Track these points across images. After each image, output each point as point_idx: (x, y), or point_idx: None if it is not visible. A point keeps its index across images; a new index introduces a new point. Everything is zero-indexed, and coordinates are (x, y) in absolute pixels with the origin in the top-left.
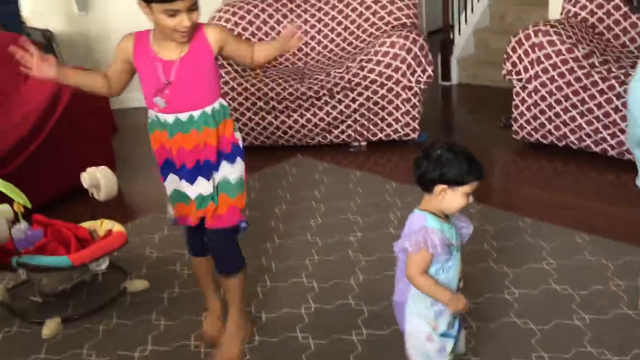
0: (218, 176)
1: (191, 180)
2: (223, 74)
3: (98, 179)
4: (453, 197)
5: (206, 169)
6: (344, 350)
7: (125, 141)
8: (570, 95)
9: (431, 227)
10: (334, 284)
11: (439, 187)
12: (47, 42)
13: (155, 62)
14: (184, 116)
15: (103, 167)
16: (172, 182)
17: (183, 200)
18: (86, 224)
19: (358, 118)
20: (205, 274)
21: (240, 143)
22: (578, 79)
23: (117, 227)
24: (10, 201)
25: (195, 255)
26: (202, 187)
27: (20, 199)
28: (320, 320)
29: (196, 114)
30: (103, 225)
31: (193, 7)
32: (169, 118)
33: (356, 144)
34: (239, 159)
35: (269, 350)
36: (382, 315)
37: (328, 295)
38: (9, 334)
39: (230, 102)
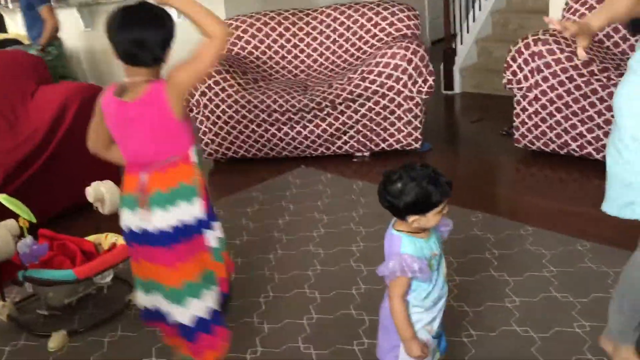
0: None
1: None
2: (226, 87)
3: (102, 193)
4: (427, 220)
5: None
6: None
7: None
8: (571, 103)
9: (407, 254)
10: (336, 294)
11: (410, 218)
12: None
13: None
14: None
15: (107, 181)
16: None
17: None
18: (91, 238)
19: (360, 129)
20: None
21: None
22: (578, 87)
23: (121, 240)
24: (15, 216)
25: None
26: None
27: (24, 214)
28: (322, 331)
29: None
30: (108, 239)
31: None
32: None
33: (359, 154)
34: None
35: None
36: None
37: (330, 305)
38: (16, 347)
39: (234, 114)
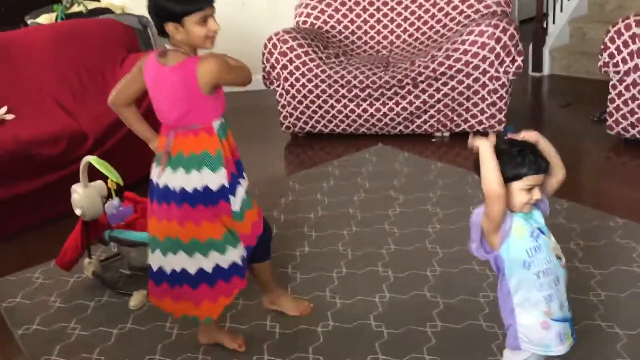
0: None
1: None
2: (307, 61)
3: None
4: (510, 194)
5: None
6: (417, 342)
7: None
8: None
9: None
10: (410, 274)
11: None
12: (142, 28)
13: None
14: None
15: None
16: (240, 193)
17: (249, 205)
18: None
19: (442, 108)
20: None
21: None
22: None
23: None
24: (104, 178)
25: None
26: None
27: (113, 176)
28: (395, 310)
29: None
30: None
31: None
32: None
33: (439, 134)
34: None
35: (343, 335)
36: (457, 308)
37: (403, 285)
38: (100, 303)
39: (313, 89)
